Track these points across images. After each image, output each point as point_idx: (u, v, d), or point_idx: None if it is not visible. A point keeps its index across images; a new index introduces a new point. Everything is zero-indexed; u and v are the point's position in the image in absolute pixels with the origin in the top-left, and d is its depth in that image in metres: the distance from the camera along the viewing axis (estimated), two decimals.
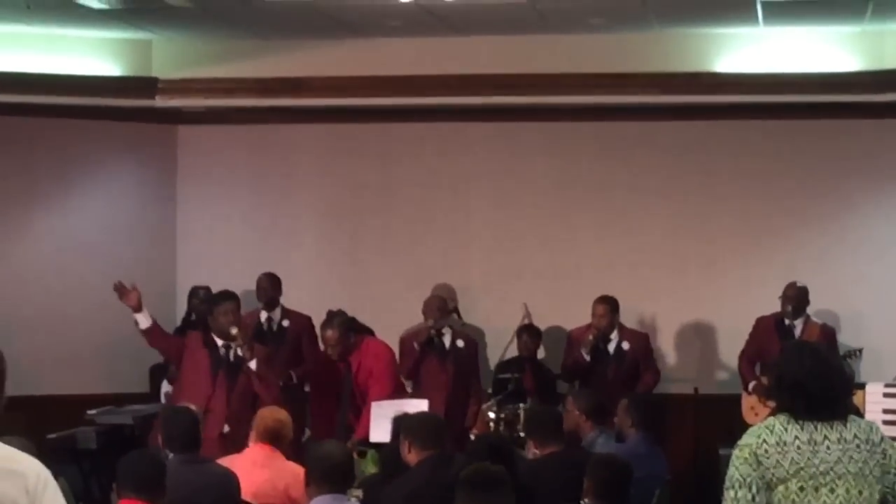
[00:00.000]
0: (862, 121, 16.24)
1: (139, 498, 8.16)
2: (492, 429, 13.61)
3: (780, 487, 7.22)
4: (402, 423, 10.92)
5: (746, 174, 16.65)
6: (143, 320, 13.45)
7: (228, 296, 13.72)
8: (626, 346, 15.23)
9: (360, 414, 13.67)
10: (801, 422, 7.26)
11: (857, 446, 7.28)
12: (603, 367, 15.11)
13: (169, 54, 16.38)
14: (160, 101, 16.47)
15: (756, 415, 14.50)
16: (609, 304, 15.18)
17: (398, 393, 14.21)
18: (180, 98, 16.51)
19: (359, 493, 9.73)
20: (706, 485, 14.89)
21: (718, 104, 16.13)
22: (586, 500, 9.25)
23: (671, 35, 15.69)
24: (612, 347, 15.21)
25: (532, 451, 10.52)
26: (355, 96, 16.18)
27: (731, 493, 7.32)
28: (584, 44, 15.67)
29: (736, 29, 15.44)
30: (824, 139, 16.51)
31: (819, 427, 7.23)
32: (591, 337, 14.99)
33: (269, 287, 15.47)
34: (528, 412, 11.04)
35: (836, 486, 7.19)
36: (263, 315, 15.41)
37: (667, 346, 16.45)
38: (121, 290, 13.45)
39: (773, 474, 7.23)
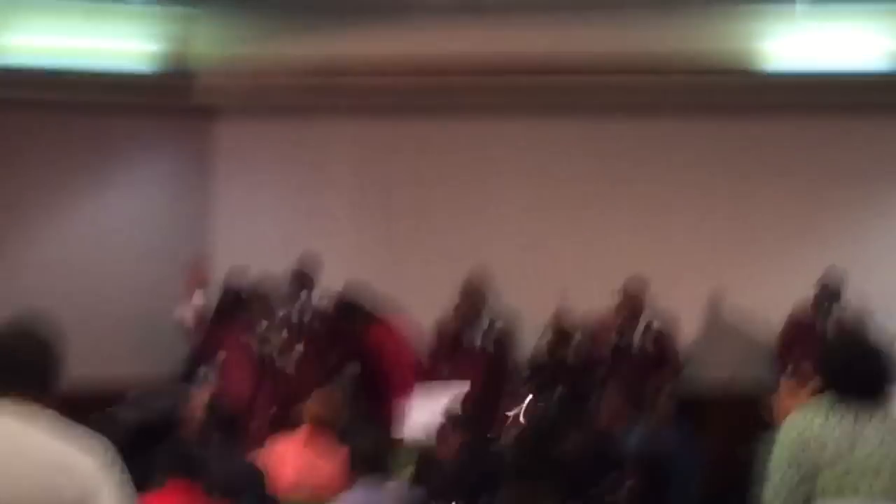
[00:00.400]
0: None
1: (184, 479, 8.32)
2: (523, 420, 13.70)
3: (823, 474, 7.30)
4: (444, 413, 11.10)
5: (780, 168, 16.65)
6: (199, 297, 13.52)
7: (266, 288, 13.85)
8: (651, 333, 15.35)
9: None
10: (844, 408, 7.33)
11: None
12: (628, 352, 15.25)
13: (207, 40, 16.42)
14: (196, 97, 16.60)
15: (788, 403, 14.51)
16: (635, 290, 15.37)
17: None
18: (218, 95, 16.67)
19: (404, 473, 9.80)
20: (742, 471, 15.03)
21: (753, 102, 16.19)
22: (629, 485, 9.32)
23: (710, 34, 15.72)
24: (636, 334, 15.34)
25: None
26: (394, 83, 16.28)
27: (777, 476, 7.38)
28: (622, 41, 15.73)
29: (775, 30, 15.47)
30: (861, 138, 16.46)
31: (860, 415, 7.30)
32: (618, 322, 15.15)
33: (305, 276, 15.35)
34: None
35: (878, 474, 7.28)
36: (298, 304, 15.15)
37: (703, 335, 16.45)
38: (196, 269, 13.51)
39: (814, 462, 7.29)
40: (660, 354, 15.24)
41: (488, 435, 10.36)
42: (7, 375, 5.12)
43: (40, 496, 4.95)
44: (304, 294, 15.31)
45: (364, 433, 9.03)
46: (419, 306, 16.24)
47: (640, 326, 15.31)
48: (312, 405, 10.91)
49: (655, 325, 15.33)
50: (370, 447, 8.75)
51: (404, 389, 14.18)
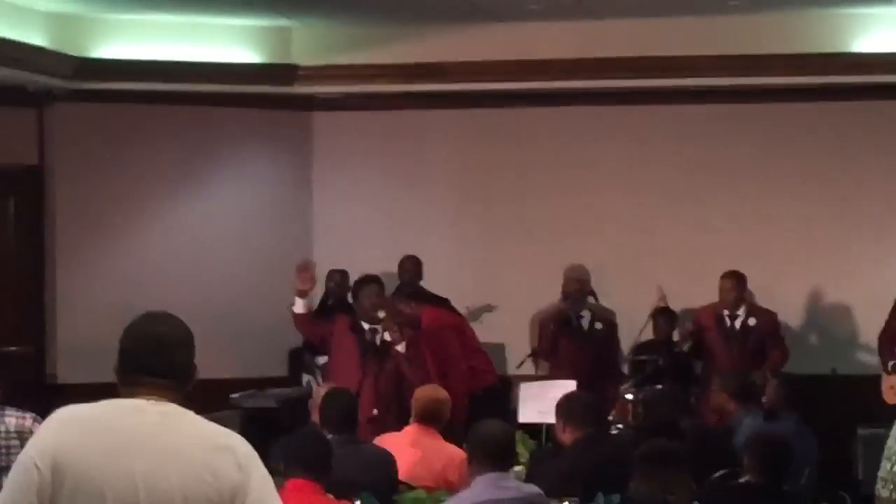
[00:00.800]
0: None
1: (308, 478, 8.29)
2: (630, 411, 13.73)
3: None
4: (557, 406, 11.10)
5: (884, 154, 16.49)
6: (302, 305, 13.61)
7: (372, 279, 13.84)
8: (752, 322, 15.19)
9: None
10: None
11: None
12: (730, 341, 15.14)
13: (308, 41, 16.48)
14: (299, 88, 16.62)
15: (894, 393, 14.51)
16: (735, 279, 15.19)
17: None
18: (319, 85, 16.64)
19: (520, 469, 9.81)
20: (845, 466, 14.99)
21: (855, 84, 16.04)
22: (748, 477, 9.37)
23: (808, 15, 15.61)
24: (738, 323, 15.23)
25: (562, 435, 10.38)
26: (492, 81, 16.23)
27: (888, 464, 7.48)
28: (720, 25, 15.63)
29: (874, 9, 15.37)
30: None
31: None
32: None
33: (412, 269, 15.66)
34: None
35: None
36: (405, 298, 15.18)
37: (803, 327, 16.35)
38: (306, 270, 13.58)
39: None
40: (759, 343, 15.23)
41: (601, 424, 10.31)
42: (162, 366, 5.29)
43: (204, 469, 5.10)
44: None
45: (486, 425, 9.03)
46: (518, 293, 16.36)
47: (742, 316, 15.28)
48: (418, 400, 10.93)
49: (752, 314, 15.27)
50: (495, 439, 8.71)
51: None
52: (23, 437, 11.14)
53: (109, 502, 4.93)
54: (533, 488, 8.54)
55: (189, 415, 5.16)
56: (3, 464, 11.01)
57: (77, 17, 15.25)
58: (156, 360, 5.19)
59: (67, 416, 5.21)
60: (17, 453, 10.67)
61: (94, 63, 15.54)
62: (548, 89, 16.46)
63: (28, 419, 11.14)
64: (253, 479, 5.15)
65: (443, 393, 10.95)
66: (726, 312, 15.20)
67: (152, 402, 5.15)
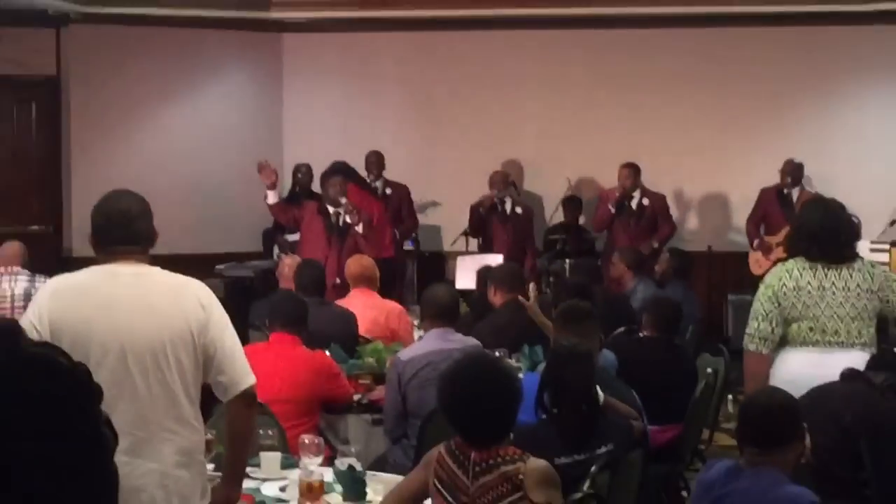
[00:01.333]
0: (854, 27, 16.15)
1: (288, 331, 8.34)
2: (545, 280, 13.90)
3: (794, 325, 7.44)
4: (488, 273, 11.21)
5: (755, 73, 16.55)
6: (273, 196, 13.67)
7: (336, 170, 13.92)
8: (646, 202, 15.26)
9: None
10: (814, 267, 7.49)
11: (858, 294, 7.45)
12: (627, 219, 15.20)
13: None
14: (272, 14, 16.60)
15: (760, 267, 14.57)
16: (632, 168, 15.25)
17: None
18: (289, 11, 16.61)
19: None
20: (718, 325, 15.22)
21: (726, 14, 16.12)
22: (646, 332, 9.51)
23: None
24: (634, 203, 15.27)
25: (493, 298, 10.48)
26: (432, 9, 16.22)
27: (755, 323, 7.55)
28: None
29: None
30: (823, 44, 16.43)
31: (828, 273, 7.43)
32: (617, 194, 15.23)
33: (377, 161, 15.61)
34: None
35: (839, 326, 7.44)
36: (371, 183, 15.41)
37: (686, 213, 16.43)
38: (265, 168, 13.62)
39: (789, 313, 7.45)
40: (651, 221, 15.34)
41: (523, 289, 10.42)
42: (141, 233, 5.38)
43: (174, 311, 5.25)
44: (373, 176, 15.55)
45: (435, 289, 9.11)
46: (453, 184, 16.43)
47: (637, 198, 15.37)
48: (351, 269, 11.01)
49: (645, 196, 15.37)
50: (443, 301, 8.69)
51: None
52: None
53: (96, 349, 5.08)
54: (473, 340, 8.60)
55: (156, 270, 5.34)
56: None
57: None
58: (123, 231, 5.33)
59: (60, 285, 5.35)
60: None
61: None
62: (477, 16, 16.42)
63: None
64: (213, 315, 5.32)
65: (367, 259, 11.07)
66: (623, 195, 15.27)
67: (125, 265, 5.29)
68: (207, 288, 5.43)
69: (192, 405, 5.32)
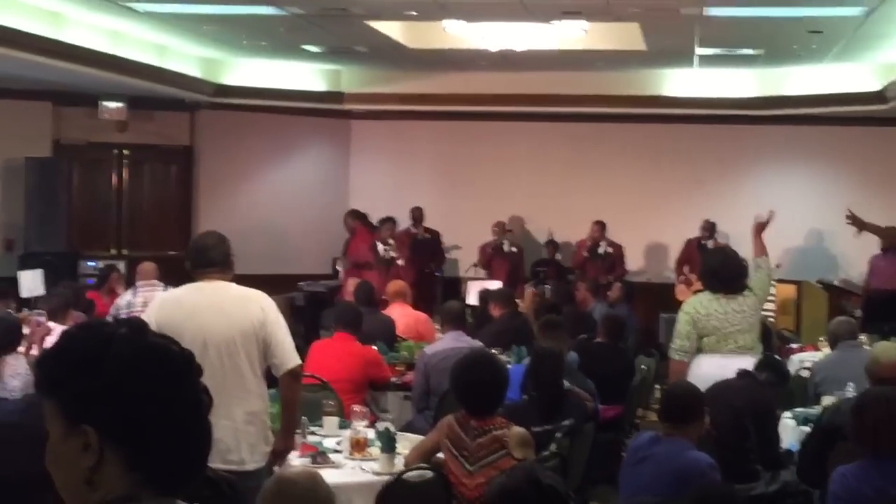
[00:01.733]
0: (756, 126, 16.10)
1: (347, 331, 8.29)
2: (532, 300, 13.85)
3: (705, 339, 7.45)
4: (487, 294, 11.21)
5: (685, 158, 16.52)
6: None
7: (389, 219, 14.05)
8: (609, 250, 15.25)
9: None
10: (718, 297, 7.51)
11: (749, 315, 7.51)
12: (595, 260, 15.18)
13: (350, 78, 16.33)
14: (344, 106, 16.57)
15: (683, 295, 14.45)
16: (600, 224, 15.28)
17: None
18: (356, 104, 16.58)
19: None
20: (653, 335, 15.18)
21: (666, 115, 16.04)
22: (600, 339, 9.42)
23: (644, 73, 15.57)
24: (601, 250, 15.27)
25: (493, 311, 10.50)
26: (458, 105, 16.18)
27: (678, 340, 7.56)
28: (590, 78, 15.58)
29: (678, 69, 15.38)
30: (734, 138, 16.37)
31: (728, 301, 7.45)
32: (588, 243, 15.23)
33: (419, 214, 15.67)
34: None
35: (737, 337, 7.43)
36: (413, 229, 15.55)
37: (634, 255, 16.32)
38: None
39: (701, 330, 7.47)
40: (612, 263, 15.32)
41: (514, 305, 10.42)
42: (217, 259, 5.46)
43: (240, 314, 5.29)
44: (416, 223, 15.59)
45: (451, 302, 9.14)
46: (470, 233, 16.42)
47: (601, 247, 15.36)
48: (390, 288, 11.01)
49: (609, 246, 15.34)
50: (456, 311, 8.82)
51: None
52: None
53: (188, 342, 5.14)
54: (478, 342, 8.65)
55: (230, 285, 5.44)
56: None
57: (217, 59, 15.13)
58: (203, 258, 5.43)
59: (164, 298, 5.50)
60: None
61: (225, 87, 15.46)
62: (488, 112, 16.39)
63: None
64: (269, 316, 5.38)
65: (402, 282, 11.09)
66: (592, 244, 15.28)
67: (208, 282, 5.37)
68: (267, 297, 5.49)
69: (257, 380, 5.39)
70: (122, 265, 13.71)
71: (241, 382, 5.28)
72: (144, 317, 5.35)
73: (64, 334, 1.97)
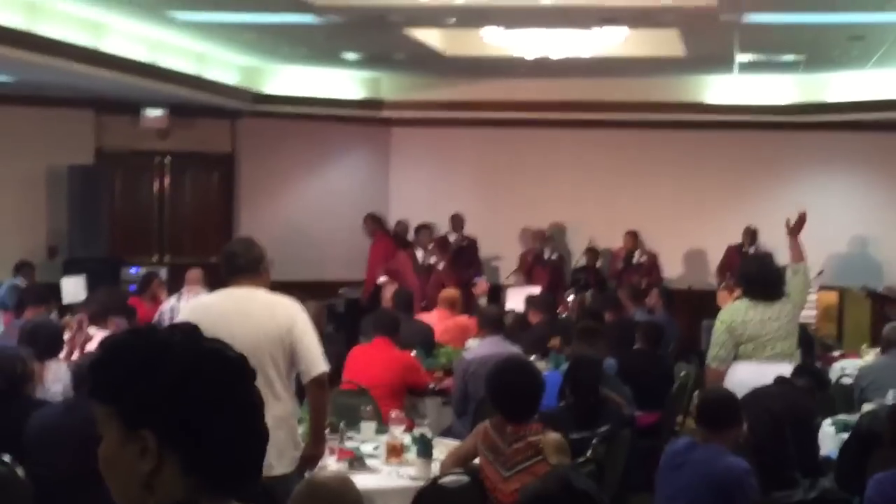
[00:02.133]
0: (794, 132, 16.05)
1: (385, 337, 8.34)
2: (570, 306, 13.84)
3: (742, 346, 7.45)
4: (530, 300, 11.22)
5: (727, 164, 16.45)
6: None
7: (426, 226, 14.11)
8: (643, 259, 15.33)
9: None
10: (754, 304, 7.50)
11: (787, 322, 7.52)
12: (630, 270, 15.25)
13: (390, 85, 16.42)
14: (384, 113, 16.65)
15: (725, 302, 14.47)
16: (633, 234, 15.38)
17: None
18: (395, 111, 16.67)
19: None
20: (695, 342, 15.11)
21: (707, 122, 16.03)
22: (639, 345, 9.44)
23: (684, 80, 15.57)
24: (635, 260, 15.34)
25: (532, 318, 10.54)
26: (497, 112, 16.22)
27: (715, 349, 7.56)
28: (630, 85, 15.62)
29: (718, 76, 15.35)
30: (774, 145, 16.29)
31: (765, 308, 7.43)
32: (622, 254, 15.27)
33: (458, 222, 15.71)
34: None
35: (774, 344, 7.43)
36: (452, 236, 15.58)
37: (674, 262, 16.35)
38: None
39: (739, 338, 7.47)
40: (648, 271, 15.32)
41: (553, 311, 10.45)
42: (243, 266, 5.50)
43: (269, 320, 5.34)
44: (455, 230, 15.63)
45: (490, 308, 9.18)
46: (509, 238, 16.43)
47: (635, 256, 15.35)
48: (441, 296, 11.08)
49: (646, 253, 15.34)
50: (496, 316, 8.83)
51: None
52: None
53: None
54: (516, 347, 8.66)
55: (260, 292, 5.48)
56: None
57: (257, 67, 15.24)
58: (233, 265, 5.49)
59: (196, 303, 5.60)
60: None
61: (265, 95, 15.55)
62: (529, 118, 16.38)
63: None
64: (297, 323, 5.42)
65: (454, 291, 11.14)
66: (629, 251, 15.32)
67: (238, 288, 5.43)
68: (296, 303, 5.52)
69: (284, 385, 5.43)
70: (163, 272, 13.84)
71: (269, 388, 5.31)
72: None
73: (117, 341, 2.01)
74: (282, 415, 5.38)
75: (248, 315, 5.36)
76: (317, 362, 5.45)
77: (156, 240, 15.97)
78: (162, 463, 1.89)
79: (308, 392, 5.49)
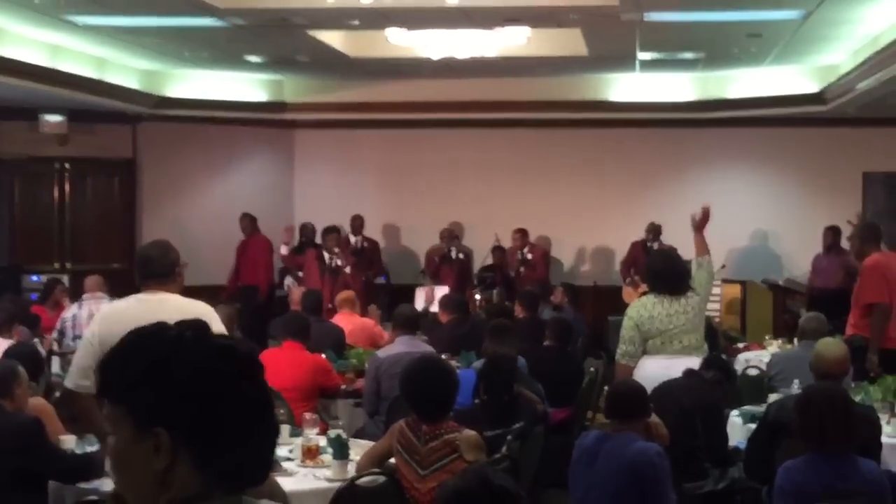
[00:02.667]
0: (696, 129, 16.28)
1: (295, 340, 8.29)
2: (478, 304, 13.90)
3: (650, 340, 7.55)
4: (442, 301, 11.22)
5: (630, 161, 16.66)
6: (285, 249, 14.02)
7: (334, 229, 14.04)
8: (530, 256, 15.36)
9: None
10: (662, 299, 7.59)
11: (693, 315, 7.62)
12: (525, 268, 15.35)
13: (293, 88, 16.42)
14: (286, 116, 16.64)
15: (630, 297, 14.59)
16: (521, 232, 15.43)
17: None
18: (298, 114, 16.65)
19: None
20: (600, 336, 15.27)
21: (610, 119, 16.23)
22: (548, 342, 9.44)
23: (586, 78, 15.75)
24: (519, 257, 15.39)
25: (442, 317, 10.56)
26: (401, 113, 16.29)
27: (623, 345, 7.65)
28: (533, 84, 15.74)
29: (620, 74, 15.56)
30: (676, 141, 16.54)
31: (671, 302, 7.51)
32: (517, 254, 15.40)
33: (358, 223, 15.63)
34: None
35: (682, 338, 7.53)
36: (353, 238, 15.45)
37: (579, 259, 16.53)
38: (288, 231, 14.46)
39: (646, 333, 7.57)
40: (535, 265, 15.38)
41: (463, 310, 10.47)
42: (158, 271, 5.46)
43: None
44: (356, 232, 15.57)
45: (403, 307, 9.20)
46: (417, 240, 16.49)
47: (525, 251, 15.42)
48: (340, 298, 11.06)
49: (532, 251, 15.41)
50: (408, 315, 8.84)
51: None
52: None
53: None
54: (429, 347, 8.69)
55: (173, 297, 5.39)
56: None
57: (158, 71, 15.14)
58: (147, 269, 5.43)
59: (106, 311, 5.50)
60: None
61: (167, 99, 15.45)
62: (431, 119, 16.44)
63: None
64: (212, 326, 5.34)
65: (351, 292, 11.12)
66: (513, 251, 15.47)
67: (151, 293, 5.38)
68: (210, 309, 5.41)
69: None
70: (65, 279, 13.66)
71: None
72: (88, 330, 5.37)
73: (124, 340, 2.04)
74: None
75: (161, 321, 5.30)
76: None
77: (57, 247, 15.75)
78: (175, 459, 1.90)
79: None
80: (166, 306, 5.35)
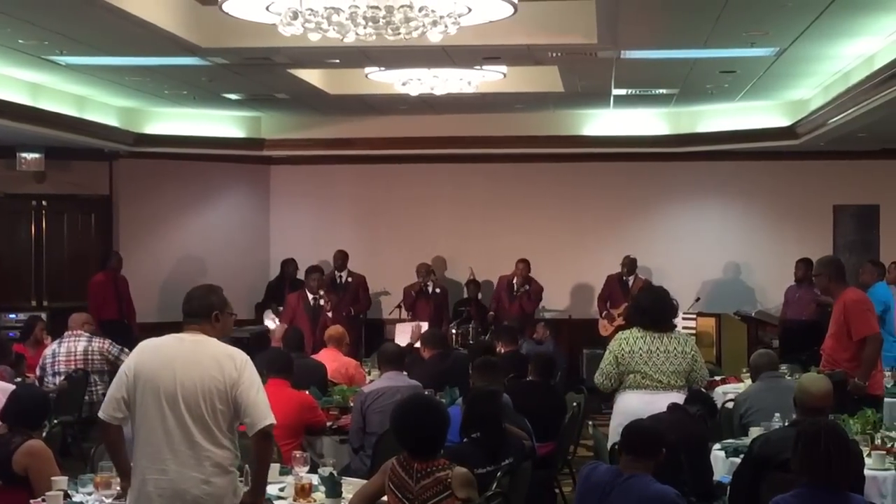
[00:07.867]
0: (670, 163, 16.45)
1: (280, 377, 8.26)
2: (454, 339, 13.94)
3: (630, 376, 7.66)
4: (420, 336, 11.28)
5: (604, 194, 16.82)
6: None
7: (317, 269, 14.07)
8: (527, 287, 15.37)
9: None
10: (644, 335, 7.70)
11: (676, 356, 7.70)
12: (518, 298, 15.36)
13: (270, 124, 16.44)
14: (264, 152, 16.64)
15: (605, 330, 14.71)
16: (526, 262, 15.41)
17: None
18: (275, 150, 16.65)
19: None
20: (576, 370, 15.36)
21: (585, 154, 16.37)
22: (531, 377, 9.45)
23: (562, 114, 15.85)
24: (516, 291, 15.35)
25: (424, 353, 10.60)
26: (377, 149, 16.36)
27: (600, 378, 7.74)
28: (509, 119, 15.83)
29: (595, 110, 15.71)
30: (649, 175, 16.68)
31: (654, 339, 7.62)
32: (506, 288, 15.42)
33: (341, 258, 15.55)
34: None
35: (662, 377, 7.60)
36: (337, 274, 15.47)
37: (555, 292, 16.59)
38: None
39: (626, 368, 7.66)
40: (531, 299, 15.52)
41: (444, 345, 10.53)
42: (195, 311, 5.50)
43: (216, 371, 5.31)
44: (339, 268, 15.56)
45: (388, 344, 9.25)
46: (392, 276, 16.50)
47: (519, 283, 15.49)
48: (328, 333, 11.02)
49: (530, 284, 15.49)
50: (393, 352, 8.93)
51: None
52: (104, 354, 11.24)
53: (161, 391, 5.25)
54: (414, 381, 8.75)
55: (210, 340, 5.40)
56: (90, 368, 11.09)
57: (136, 109, 15.15)
58: (186, 307, 5.49)
59: (145, 345, 5.50)
60: (100, 363, 10.55)
61: (145, 136, 15.44)
62: (407, 155, 16.54)
63: (105, 343, 11.25)
64: (244, 376, 5.35)
65: (340, 328, 11.10)
66: (515, 281, 15.41)
67: (189, 334, 5.43)
68: (245, 356, 5.44)
69: (223, 434, 5.34)
70: (43, 316, 13.65)
71: (209, 435, 5.29)
72: (124, 362, 5.47)
73: None
74: (221, 462, 5.33)
75: (198, 363, 5.32)
76: (262, 415, 5.38)
77: (34, 285, 15.74)
78: None
79: (253, 443, 5.42)
80: (203, 349, 5.39)
